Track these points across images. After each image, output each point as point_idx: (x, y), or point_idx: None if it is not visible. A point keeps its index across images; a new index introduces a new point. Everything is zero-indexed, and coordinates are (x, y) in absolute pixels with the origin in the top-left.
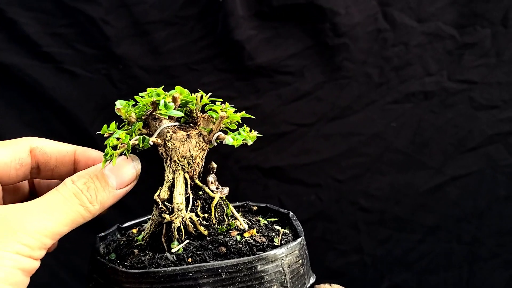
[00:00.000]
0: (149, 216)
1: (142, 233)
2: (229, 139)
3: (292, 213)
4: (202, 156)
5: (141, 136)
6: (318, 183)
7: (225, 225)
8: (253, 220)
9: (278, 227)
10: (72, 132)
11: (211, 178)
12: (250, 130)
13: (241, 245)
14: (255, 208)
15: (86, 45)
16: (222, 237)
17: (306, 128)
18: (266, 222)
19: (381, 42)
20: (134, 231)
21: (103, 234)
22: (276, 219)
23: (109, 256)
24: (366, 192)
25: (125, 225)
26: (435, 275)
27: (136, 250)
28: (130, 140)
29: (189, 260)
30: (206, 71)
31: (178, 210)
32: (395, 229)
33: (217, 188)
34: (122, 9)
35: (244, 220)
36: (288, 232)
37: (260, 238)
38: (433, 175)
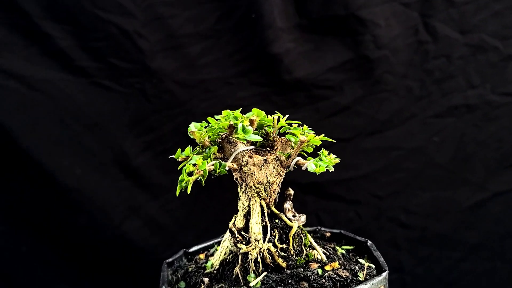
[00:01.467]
0: (215, 240)
1: (211, 259)
2: (311, 166)
3: (370, 242)
4: (279, 182)
5: (217, 162)
6: (357, 199)
7: (303, 256)
8: (329, 249)
9: (362, 261)
10: (104, 148)
11: (288, 205)
12: (328, 154)
13: (324, 280)
14: (328, 234)
15: (119, 58)
16: (302, 270)
17: (344, 143)
18: (344, 252)
19: (422, 54)
20: (201, 256)
21: (170, 260)
22: (351, 247)
23: (178, 285)
24: (406, 209)
25: (191, 249)
26: None
27: (206, 280)
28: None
29: None
30: (242, 85)
31: (256, 240)
32: (436, 246)
33: (294, 216)
34: (157, 22)
35: (321, 250)
36: (371, 265)
37: (343, 272)
38: (476, 191)
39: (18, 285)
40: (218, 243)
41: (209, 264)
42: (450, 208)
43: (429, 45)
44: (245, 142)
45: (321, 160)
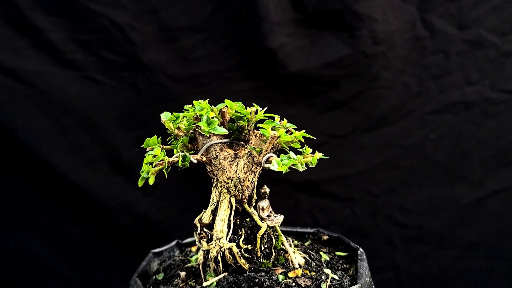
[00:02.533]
0: None
1: (198, 254)
2: (274, 165)
3: (361, 251)
4: (252, 179)
5: (181, 154)
6: (352, 197)
7: (271, 260)
8: (313, 255)
9: (327, 271)
10: (95, 143)
11: (264, 203)
12: (313, 152)
13: None
14: (325, 237)
15: (111, 52)
16: (263, 274)
17: (340, 140)
18: (328, 259)
19: (419, 50)
20: (193, 249)
21: (158, 250)
22: (344, 254)
23: (156, 276)
24: (403, 207)
25: (185, 241)
26: None
27: (183, 273)
28: (170, 158)
29: None
30: (236, 79)
31: (217, 238)
32: (433, 245)
33: (268, 216)
34: (150, 15)
35: (300, 254)
36: (337, 277)
37: (304, 281)
38: (473, 189)
39: (8, 281)
40: None
41: (194, 258)
42: (447, 206)
43: (426, 41)
44: (217, 134)
45: (289, 158)
